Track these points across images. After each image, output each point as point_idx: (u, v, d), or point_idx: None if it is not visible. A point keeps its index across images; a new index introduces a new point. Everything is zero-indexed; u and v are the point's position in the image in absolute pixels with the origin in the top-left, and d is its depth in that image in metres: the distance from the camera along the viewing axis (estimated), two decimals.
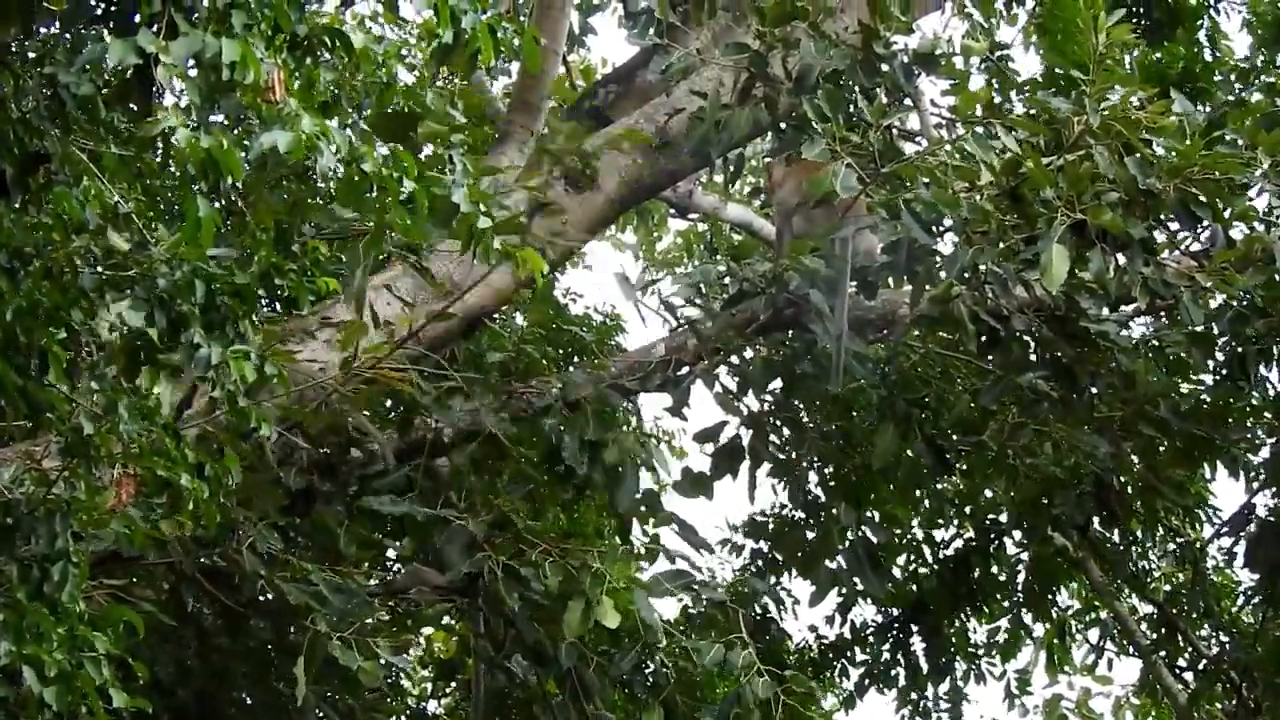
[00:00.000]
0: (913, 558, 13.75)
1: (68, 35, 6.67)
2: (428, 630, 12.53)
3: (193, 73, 6.16)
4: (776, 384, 10.66)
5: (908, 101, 10.21)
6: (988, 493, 12.81)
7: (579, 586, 9.08)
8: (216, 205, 7.21)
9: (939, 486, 12.40)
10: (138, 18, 5.92)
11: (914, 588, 13.63)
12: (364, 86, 8.93)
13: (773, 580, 13.04)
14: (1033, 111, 9.99)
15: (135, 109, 6.50)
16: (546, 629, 9.47)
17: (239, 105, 6.50)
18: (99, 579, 7.79)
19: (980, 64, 10.37)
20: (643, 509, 10.47)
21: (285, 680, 9.67)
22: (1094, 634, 14.40)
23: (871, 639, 13.86)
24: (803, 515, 12.31)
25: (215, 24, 5.90)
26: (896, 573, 13.55)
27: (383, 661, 9.15)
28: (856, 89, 9.70)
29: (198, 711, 9.77)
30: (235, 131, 6.49)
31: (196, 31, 5.87)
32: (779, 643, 12.74)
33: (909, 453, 10.85)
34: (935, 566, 13.60)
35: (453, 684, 12.92)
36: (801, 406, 10.80)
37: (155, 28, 5.83)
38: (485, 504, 9.76)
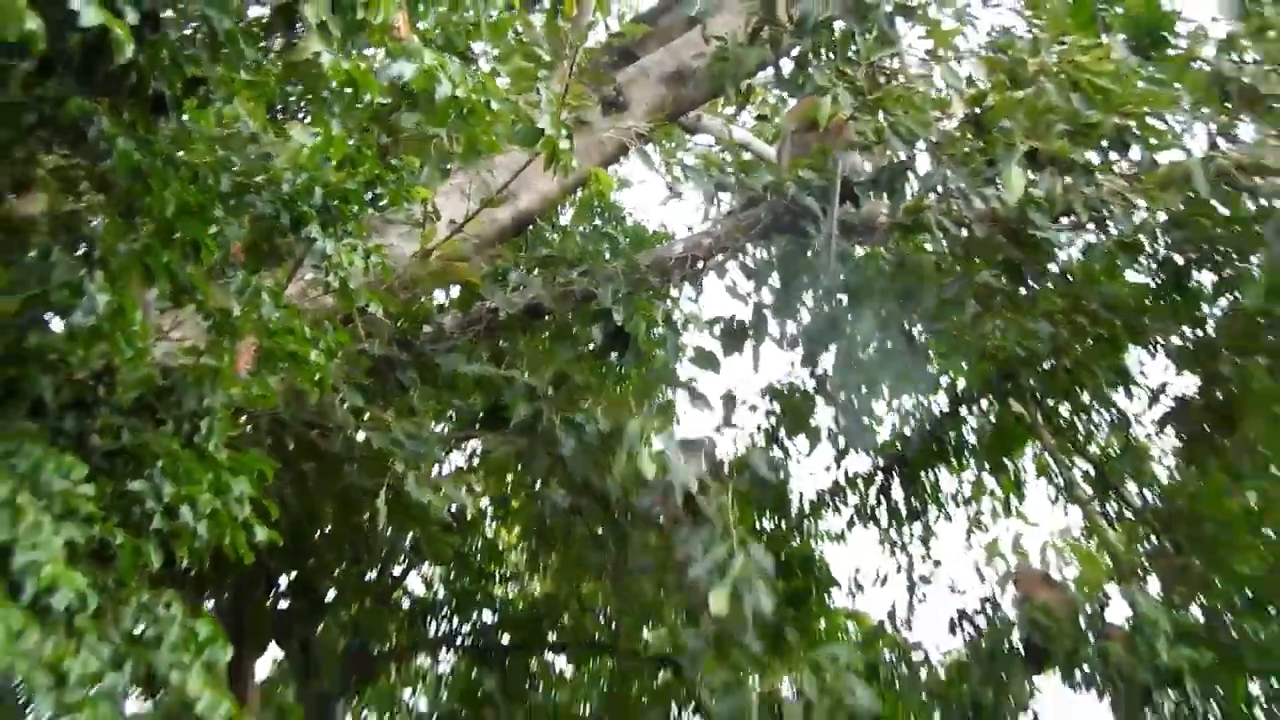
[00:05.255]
0: (896, 421, 14.26)
1: None
2: None
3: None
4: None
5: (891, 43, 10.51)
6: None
7: (621, 436, 9.29)
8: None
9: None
10: None
11: (897, 445, 14.19)
12: (454, 26, 9.05)
13: (784, 435, 13.52)
14: (996, 52, 10.26)
15: (277, 42, 6.78)
16: (592, 468, 9.71)
17: (369, 42, 6.55)
18: None
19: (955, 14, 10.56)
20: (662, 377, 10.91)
21: (366, 515, 10.21)
22: (1041, 488, 15.01)
23: (861, 485, 14.46)
24: (811, 384, 12.90)
25: None
26: (884, 431, 14.11)
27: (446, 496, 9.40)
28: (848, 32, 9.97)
29: (291, 541, 10.25)
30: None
31: None
32: (784, 485, 13.44)
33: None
34: (913, 429, 14.16)
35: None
36: (798, 296, 11.02)
37: None
38: (542, 365, 10.03)
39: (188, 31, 6.52)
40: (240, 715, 6.87)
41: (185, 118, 6.95)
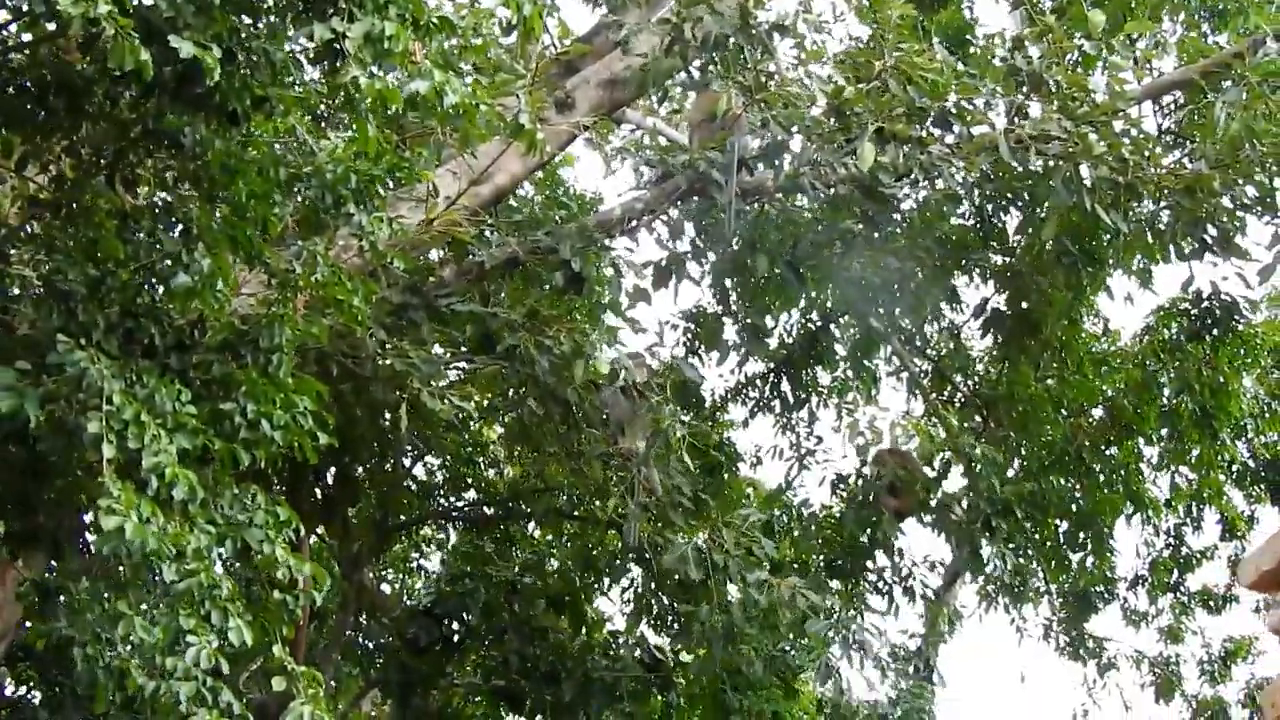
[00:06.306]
0: (784, 334, 14.52)
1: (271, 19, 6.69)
2: None
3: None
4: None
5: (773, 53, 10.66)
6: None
7: (581, 350, 9.55)
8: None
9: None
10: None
11: (784, 352, 14.44)
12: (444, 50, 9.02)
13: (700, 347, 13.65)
14: (850, 58, 10.40)
15: (325, 68, 6.82)
16: (559, 379, 9.90)
17: (393, 65, 6.69)
18: None
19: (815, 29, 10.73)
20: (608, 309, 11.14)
21: (388, 420, 10.33)
22: (892, 382, 15.31)
23: (758, 383, 14.71)
24: (719, 309, 13.19)
25: (378, 12, 6.31)
26: (774, 342, 14.33)
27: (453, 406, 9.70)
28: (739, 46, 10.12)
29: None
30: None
31: (368, 17, 6.27)
32: (698, 387, 13.72)
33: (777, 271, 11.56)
34: (796, 339, 14.40)
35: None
36: (707, 244, 11.33)
37: (339, 15, 6.28)
38: (517, 303, 10.19)
39: (253, 59, 6.60)
40: (320, 573, 7.14)
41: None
